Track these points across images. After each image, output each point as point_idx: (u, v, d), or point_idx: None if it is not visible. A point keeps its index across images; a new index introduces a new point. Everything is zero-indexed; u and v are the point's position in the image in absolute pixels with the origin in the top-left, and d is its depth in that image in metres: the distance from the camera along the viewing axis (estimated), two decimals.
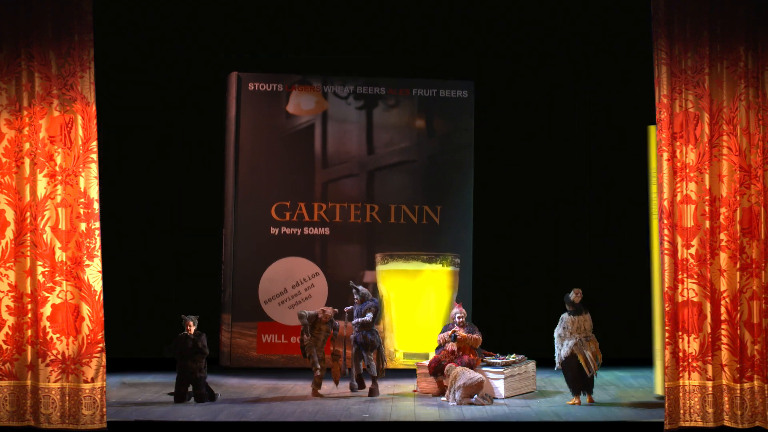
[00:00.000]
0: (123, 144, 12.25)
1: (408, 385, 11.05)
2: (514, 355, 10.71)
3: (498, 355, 10.72)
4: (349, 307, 10.69)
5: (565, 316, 9.99)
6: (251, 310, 12.40)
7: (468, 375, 10.03)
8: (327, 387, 10.62)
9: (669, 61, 8.83)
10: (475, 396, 9.96)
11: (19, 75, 8.92)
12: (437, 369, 10.40)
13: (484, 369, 10.43)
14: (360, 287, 10.69)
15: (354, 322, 10.52)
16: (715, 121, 8.80)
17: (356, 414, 9.57)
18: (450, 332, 10.45)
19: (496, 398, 10.25)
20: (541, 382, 11.08)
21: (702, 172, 8.78)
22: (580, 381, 9.96)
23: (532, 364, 10.79)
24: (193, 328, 10.18)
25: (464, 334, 10.39)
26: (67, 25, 8.92)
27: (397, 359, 12.34)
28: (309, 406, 9.95)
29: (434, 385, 10.58)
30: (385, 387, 10.82)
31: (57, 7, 8.92)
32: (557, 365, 10.05)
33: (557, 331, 10.02)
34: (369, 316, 10.44)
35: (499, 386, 10.34)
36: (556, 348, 10.03)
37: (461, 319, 10.53)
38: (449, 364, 10.22)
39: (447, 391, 10.15)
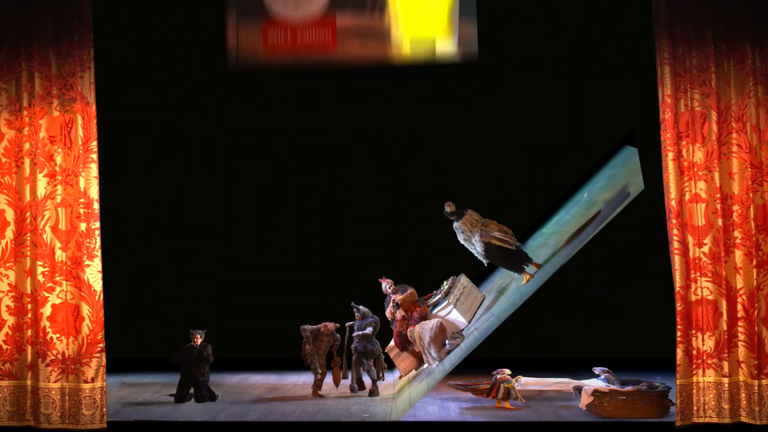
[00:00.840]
0: (123, 144, 12.22)
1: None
2: (445, 282, 10.86)
3: (434, 292, 10.87)
4: (350, 323, 10.83)
5: (455, 224, 10.37)
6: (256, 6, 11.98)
7: (427, 327, 10.22)
8: (326, 388, 10.61)
9: (672, 60, 8.80)
10: (447, 342, 10.05)
11: (19, 75, 8.93)
12: (404, 340, 10.59)
13: (434, 312, 10.58)
14: (361, 307, 10.89)
15: (355, 334, 10.73)
16: (723, 119, 8.78)
17: (356, 414, 9.56)
18: (391, 304, 10.69)
19: (464, 330, 10.33)
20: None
21: (711, 171, 8.75)
22: (513, 259, 10.29)
23: (463, 277, 10.88)
24: (199, 341, 10.20)
25: (400, 296, 10.60)
26: (67, 25, 8.92)
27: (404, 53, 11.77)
28: (309, 406, 9.94)
29: (411, 360, 10.70)
30: (386, 387, 10.80)
31: (57, 7, 8.91)
32: (485, 264, 10.36)
33: (460, 239, 10.38)
34: (369, 330, 10.68)
35: (456, 317, 10.43)
36: (472, 251, 10.36)
37: (392, 287, 10.77)
38: (408, 330, 10.39)
39: (423, 356, 10.27)
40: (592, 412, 9.40)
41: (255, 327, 12.46)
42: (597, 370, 9.78)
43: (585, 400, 9.44)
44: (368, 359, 10.62)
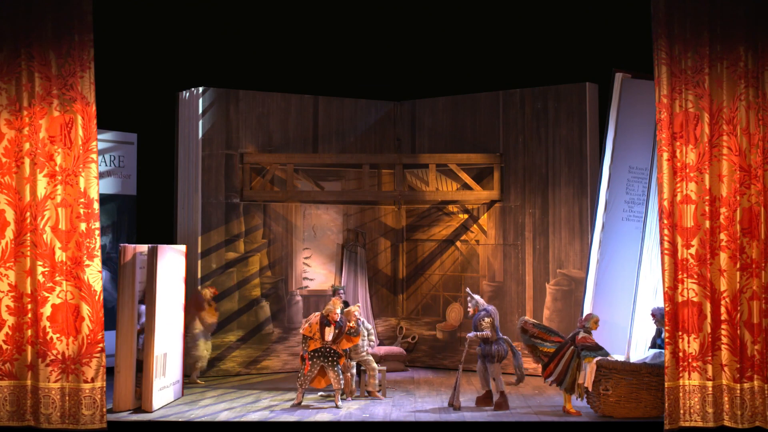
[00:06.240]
0: None
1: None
2: None
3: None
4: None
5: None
6: None
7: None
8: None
9: (669, 61, 8.87)
10: None
11: (19, 75, 8.92)
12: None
13: None
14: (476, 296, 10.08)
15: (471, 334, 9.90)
16: (715, 121, 8.84)
17: (356, 414, 9.58)
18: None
19: None
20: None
21: (702, 172, 8.82)
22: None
23: None
24: None
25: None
26: (67, 25, 8.93)
27: None
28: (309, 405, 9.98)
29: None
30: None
31: (57, 7, 8.92)
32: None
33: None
34: (486, 332, 9.81)
35: None
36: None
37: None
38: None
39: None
40: (593, 407, 9.42)
41: None
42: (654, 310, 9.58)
43: (589, 376, 9.35)
44: (493, 363, 9.82)
